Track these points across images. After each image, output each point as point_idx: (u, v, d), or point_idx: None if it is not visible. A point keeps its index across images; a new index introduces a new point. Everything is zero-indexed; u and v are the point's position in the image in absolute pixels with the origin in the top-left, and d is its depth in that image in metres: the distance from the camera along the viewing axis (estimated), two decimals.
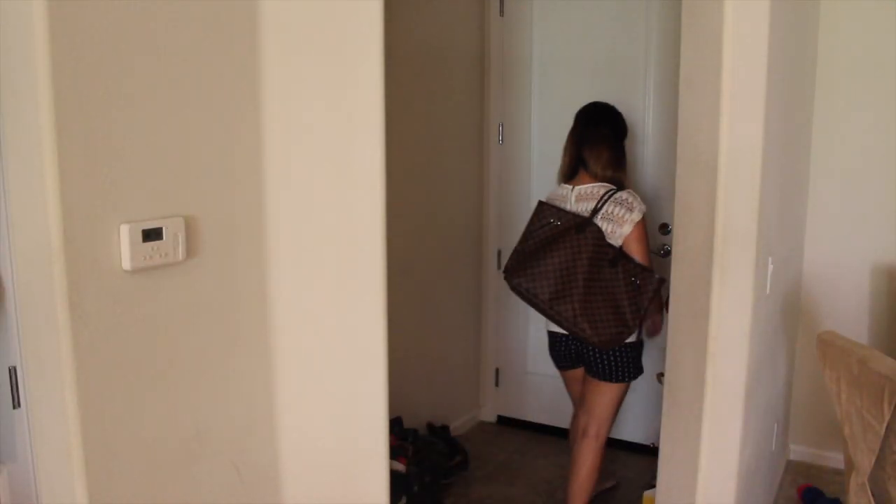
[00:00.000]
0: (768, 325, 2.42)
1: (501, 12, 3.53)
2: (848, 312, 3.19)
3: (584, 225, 2.34)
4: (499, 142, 3.63)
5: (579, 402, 2.69)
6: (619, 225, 2.35)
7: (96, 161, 1.19)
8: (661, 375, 2.57)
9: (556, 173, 2.64)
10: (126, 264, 1.25)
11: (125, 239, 1.24)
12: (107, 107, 1.20)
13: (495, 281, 3.74)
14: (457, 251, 3.55)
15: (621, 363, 2.48)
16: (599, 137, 2.47)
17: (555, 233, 2.35)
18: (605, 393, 2.52)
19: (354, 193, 1.54)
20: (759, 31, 1.86)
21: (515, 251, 2.44)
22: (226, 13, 1.39)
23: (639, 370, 2.55)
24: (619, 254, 2.34)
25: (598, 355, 2.48)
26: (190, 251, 1.37)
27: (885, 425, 1.78)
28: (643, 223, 2.39)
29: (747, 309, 1.98)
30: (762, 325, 2.25)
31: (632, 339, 2.47)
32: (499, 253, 3.72)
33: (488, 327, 3.79)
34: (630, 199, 2.39)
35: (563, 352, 2.62)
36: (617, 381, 2.50)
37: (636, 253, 2.37)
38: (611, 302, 2.30)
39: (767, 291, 2.25)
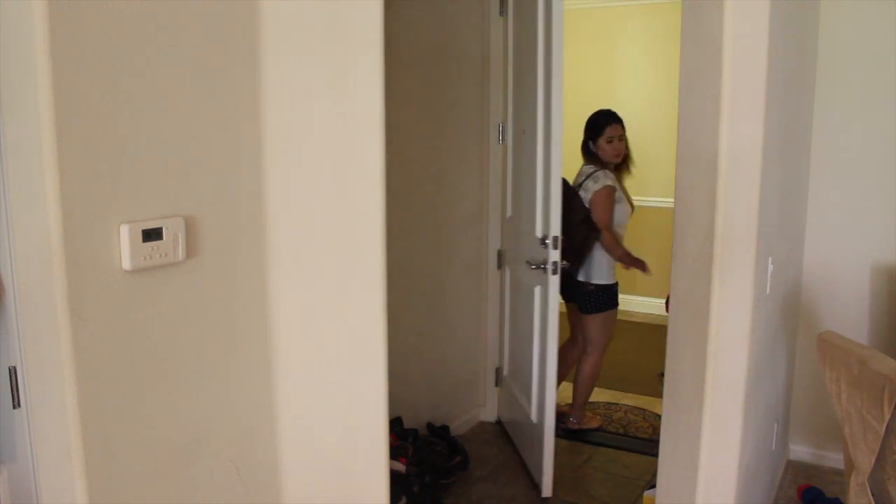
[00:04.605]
0: (768, 324, 2.42)
1: (501, 12, 3.53)
2: (848, 312, 3.19)
3: (573, 193, 3.45)
4: (499, 142, 3.63)
5: (574, 332, 3.72)
6: (587, 192, 3.43)
7: (96, 161, 1.19)
8: (661, 375, 2.57)
9: None
10: (126, 264, 1.25)
11: (125, 239, 1.24)
12: (106, 107, 1.20)
13: (495, 281, 3.74)
14: (457, 251, 3.55)
15: (597, 300, 3.52)
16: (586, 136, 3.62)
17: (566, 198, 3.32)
18: (590, 323, 3.57)
19: (355, 193, 1.54)
20: (759, 31, 1.86)
21: None
22: (225, 13, 1.39)
23: (611, 304, 3.55)
24: (588, 213, 3.42)
25: (580, 294, 3.53)
26: (190, 251, 1.37)
27: (885, 425, 1.79)
28: (605, 193, 3.40)
29: (747, 309, 1.98)
30: (762, 325, 2.25)
31: (604, 281, 3.49)
32: (499, 253, 3.72)
33: (488, 327, 3.79)
34: (600, 177, 3.43)
35: (564, 285, 3.31)
36: (596, 311, 3.53)
37: (595, 212, 3.41)
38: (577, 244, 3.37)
39: (767, 291, 2.25)
